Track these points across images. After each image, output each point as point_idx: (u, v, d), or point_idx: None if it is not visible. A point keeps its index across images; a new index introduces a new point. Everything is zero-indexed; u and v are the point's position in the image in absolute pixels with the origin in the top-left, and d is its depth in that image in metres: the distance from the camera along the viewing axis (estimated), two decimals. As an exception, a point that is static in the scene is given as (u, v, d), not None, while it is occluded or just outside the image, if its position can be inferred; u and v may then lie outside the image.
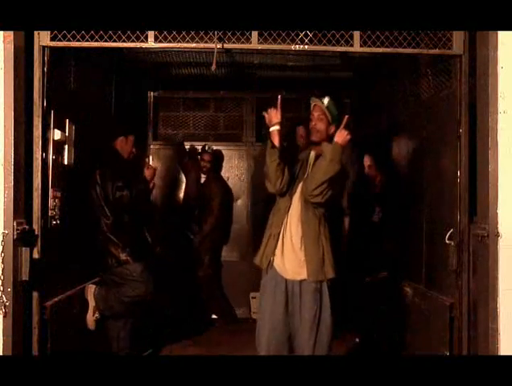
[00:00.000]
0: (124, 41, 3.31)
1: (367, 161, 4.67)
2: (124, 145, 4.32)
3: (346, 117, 3.27)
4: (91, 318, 4.09)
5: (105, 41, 3.30)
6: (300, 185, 3.32)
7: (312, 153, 3.39)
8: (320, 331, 3.20)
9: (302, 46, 3.37)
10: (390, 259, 4.45)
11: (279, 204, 3.36)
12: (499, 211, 3.00)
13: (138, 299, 4.16)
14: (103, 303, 4.10)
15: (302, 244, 3.24)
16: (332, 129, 3.31)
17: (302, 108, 6.42)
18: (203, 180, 6.03)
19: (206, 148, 5.93)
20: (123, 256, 4.10)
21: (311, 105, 3.42)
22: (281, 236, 3.28)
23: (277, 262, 3.28)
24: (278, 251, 3.29)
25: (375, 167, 4.66)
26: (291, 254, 3.26)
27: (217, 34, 3.32)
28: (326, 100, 3.33)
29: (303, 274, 3.23)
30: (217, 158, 6.17)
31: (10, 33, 2.95)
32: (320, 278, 3.21)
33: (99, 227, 4.10)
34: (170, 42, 3.34)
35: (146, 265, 4.21)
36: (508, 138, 3.01)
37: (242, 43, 3.35)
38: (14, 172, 2.95)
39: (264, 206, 6.15)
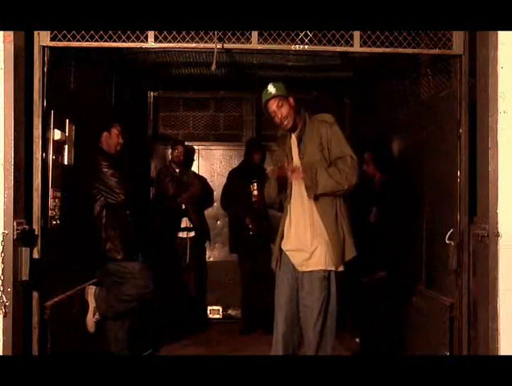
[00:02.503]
0: (124, 41, 3.31)
1: (367, 157, 4.67)
2: (109, 139, 4.27)
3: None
4: (91, 319, 4.08)
5: (105, 41, 3.31)
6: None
7: (293, 138, 3.42)
8: (326, 319, 3.27)
9: (302, 46, 3.37)
10: (389, 259, 4.45)
11: (284, 202, 3.43)
12: (499, 211, 3.00)
13: (139, 296, 4.16)
14: (104, 304, 4.10)
15: (313, 237, 3.29)
16: (291, 100, 3.33)
17: (302, 108, 6.43)
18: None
19: (179, 142, 5.87)
20: (119, 255, 4.10)
21: (264, 104, 3.35)
22: (287, 231, 3.36)
23: (287, 254, 3.37)
24: (286, 245, 3.36)
25: (374, 166, 4.66)
26: (298, 249, 3.32)
27: (217, 34, 3.32)
28: (272, 88, 3.29)
29: (310, 266, 3.29)
30: (189, 153, 6.10)
31: (10, 33, 2.95)
32: (330, 268, 3.27)
33: (95, 224, 4.11)
34: (170, 42, 3.34)
35: (144, 263, 4.22)
36: (508, 138, 3.01)
37: (242, 43, 3.35)
38: (14, 172, 2.95)
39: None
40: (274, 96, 3.31)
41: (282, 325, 3.32)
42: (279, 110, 3.32)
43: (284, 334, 3.32)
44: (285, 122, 3.32)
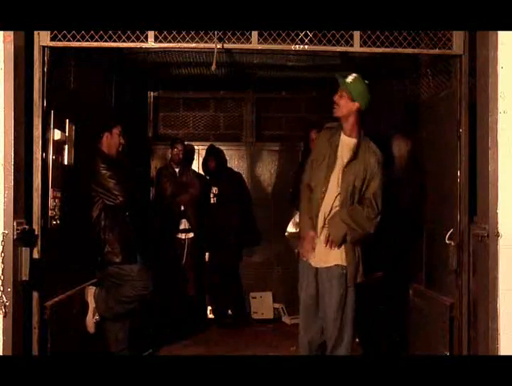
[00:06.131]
0: (124, 41, 3.31)
1: None
2: (110, 140, 4.26)
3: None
4: (91, 320, 4.08)
5: (105, 41, 3.30)
6: (334, 173, 3.45)
7: (342, 138, 3.51)
8: (345, 313, 3.42)
9: (302, 46, 3.37)
10: (389, 259, 4.44)
11: (314, 194, 3.52)
12: (499, 211, 3.00)
13: (139, 298, 4.16)
14: (103, 305, 4.10)
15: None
16: (355, 105, 3.45)
17: (302, 108, 6.43)
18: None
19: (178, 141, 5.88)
20: (117, 258, 4.09)
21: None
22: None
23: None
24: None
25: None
26: (320, 244, 3.46)
27: (217, 34, 3.32)
28: (347, 79, 3.46)
29: (328, 262, 3.43)
30: (188, 152, 6.12)
31: (10, 33, 2.95)
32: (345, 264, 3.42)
33: (94, 227, 4.10)
34: (170, 42, 3.34)
35: (143, 264, 4.22)
36: (508, 138, 3.01)
37: (242, 43, 3.35)
38: (14, 172, 2.95)
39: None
40: (343, 88, 3.46)
41: (302, 318, 3.60)
42: (338, 97, 3.47)
43: (305, 327, 3.57)
44: (335, 108, 3.47)
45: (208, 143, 6.37)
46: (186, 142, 5.99)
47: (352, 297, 3.44)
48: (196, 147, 6.32)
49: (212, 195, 5.98)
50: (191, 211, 5.74)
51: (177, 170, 5.80)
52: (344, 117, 3.47)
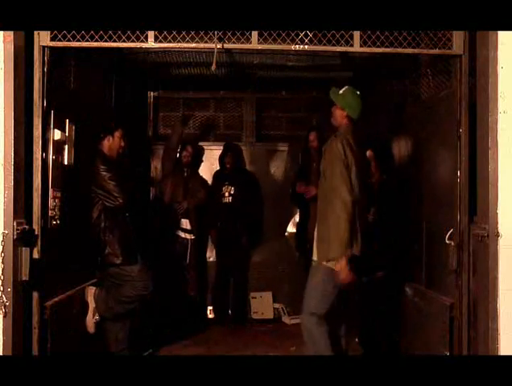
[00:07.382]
0: (124, 41, 3.31)
1: (369, 155, 4.65)
2: (112, 143, 4.24)
3: None
4: (91, 320, 4.08)
5: (105, 41, 3.31)
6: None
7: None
8: (309, 287, 3.65)
9: (302, 46, 3.37)
10: (388, 259, 4.44)
11: None
12: (499, 211, 3.00)
13: (139, 298, 4.16)
14: (104, 305, 4.10)
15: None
16: (345, 112, 3.68)
17: (302, 108, 6.44)
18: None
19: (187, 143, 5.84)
20: (118, 259, 4.09)
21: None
22: None
23: None
24: None
25: (375, 165, 4.65)
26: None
27: (217, 34, 3.32)
28: (339, 92, 3.71)
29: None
30: (198, 153, 6.11)
31: (10, 33, 2.95)
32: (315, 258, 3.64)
33: (94, 228, 4.10)
34: (170, 42, 3.34)
35: (144, 265, 4.21)
36: (508, 138, 3.02)
37: (242, 43, 3.35)
38: (14, 172, 2.95)
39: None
40: (335, 100, 3.74)
41: None
42: (333, 109, 3.76)
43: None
44: (332, 118, 3.77)
45: (208, 143, 6.37)
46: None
47: (319, 277, 3.56)
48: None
49: (227, 194, 5.96)
50: (193, 213, 5.73)
51: (185, 169, 5.78)
52: (339, 124, 3.72)
